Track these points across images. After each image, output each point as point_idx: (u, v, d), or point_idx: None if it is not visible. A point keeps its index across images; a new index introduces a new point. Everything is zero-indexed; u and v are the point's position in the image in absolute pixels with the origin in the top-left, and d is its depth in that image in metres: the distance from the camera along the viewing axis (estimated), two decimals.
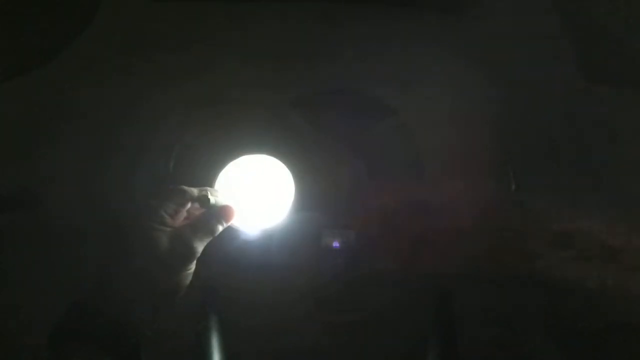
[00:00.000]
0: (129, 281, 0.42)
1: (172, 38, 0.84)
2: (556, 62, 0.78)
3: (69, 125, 0.82)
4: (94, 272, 0.44)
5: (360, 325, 0.69)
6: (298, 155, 0.63)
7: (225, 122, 0.79)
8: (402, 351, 0.69)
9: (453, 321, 0.68)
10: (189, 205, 0.47)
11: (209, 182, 0.55)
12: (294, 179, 0.61)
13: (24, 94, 0.83)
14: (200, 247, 0.45)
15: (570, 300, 0.70)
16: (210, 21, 0.85)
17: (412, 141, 0.78)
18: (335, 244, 0.70)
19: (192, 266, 0.46)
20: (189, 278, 0.45)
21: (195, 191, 0.47)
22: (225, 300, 0.71)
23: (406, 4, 0.81)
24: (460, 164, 0.76)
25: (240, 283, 0.73)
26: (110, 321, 0.41)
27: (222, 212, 0.48)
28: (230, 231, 0.52)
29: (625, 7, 0.75)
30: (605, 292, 0.69)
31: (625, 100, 0.76)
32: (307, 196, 0.65)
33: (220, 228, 0.48)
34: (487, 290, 0.70)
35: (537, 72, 0.78)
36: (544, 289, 0.71)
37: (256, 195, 0.56)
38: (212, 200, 0.48)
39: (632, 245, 0.71)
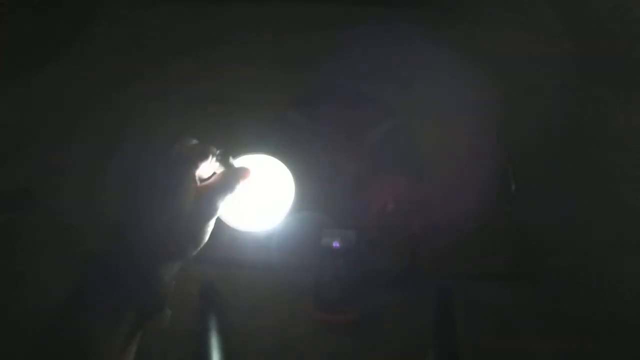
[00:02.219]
0: (154, 233, 0.43)
1: (172, 40, 0.84)
2: (556, 62, 0.78)
3: (69, 126, 0.82)
4: (116, 221, 0.44)
5: (360, 325, 0.69)
6: (298, 155, 0.63)
7: (225, 122, 0.79)
8: (402, 351, 0.69)
9: (453, 320, 0.68)
10: (210, 162, 0.48)
11: None
12: (294, 179, 0.61)
13: (24, 95, 0.83)
14: (220, 205, 0.47)
15: (571, 300, 0.70)
16: (211, 23, 0.85)
17: (412, 141, 0.78)
18: (335, 244, 0.70)
19: (212, 224, 0.47)
20: (207, 236, 0.47)
21: (216, 150, 0.49)
22: (224, 300, 0.71)
23: (407, 4, 0.81)
24: (460, 164, 0.76)
25: (240, 283, 0.73)
26: (135, 272, 0.41)
27: (240, 171, 0.50)
28: (230, 231, 0.52)
29: (625, 7, 0.75)
30: (605, 291, 0.69)
31: (625, 100, 0.76)
32: (307, 196, 0.65)
33: (238, 187, 0.49)
34: (487, 289, 0.70)
35: (537, 72, 0.78)
36: (544, 288, 0.71)
37: (256, 195, 0.56)
38: (231, 160, 0.50)
39: (631, 240, 0.71)
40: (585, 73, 0.77)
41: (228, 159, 0.50)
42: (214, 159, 0.48)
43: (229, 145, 0.56)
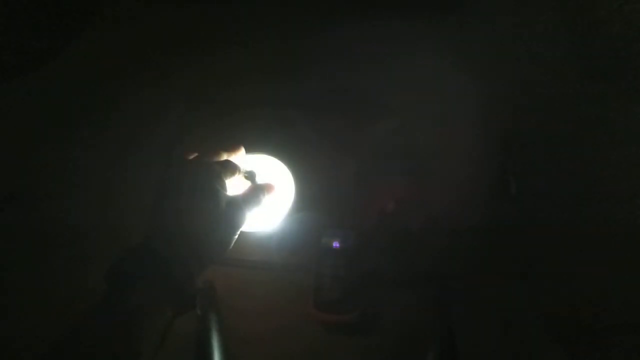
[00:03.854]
0: (188, 239, 0.46)
1: (172, 39, 0.84)
2: (556, 62, 0.78)
3: (67, 126, 0.82)
4: (150, 226, 0.46)
5: (360, 325, 0.69)
6: (298, 155, 0.63)
7: (225, 122, 0.79)
8: (402, 351, 0.69)
9: (453, 320, 0.68)
10: (238, 176, 0.52)
11: None
12: (294, 179, 0.61)
13: (22, 95, 0.83)
14: (248, 215, 0.50)
15: (571, 301, 0.70)
16: (211, 22, 0.85)
17: (412, 140, 0.78)
18: (335, 244, 0.70)
19: (238, 233, 0.50)
20: (233, 243, 0.49)
21: (242, 167, 0.53)
22: (225, 300, 0.71)
23: (406, 4, 0.81)
24: (460, 164, 0.76)
25: (240, 283, 0.73)
26: (170, 274, 0.44)
27: (265, 187, 0.54)
28: None
29: (626, 7, 0.75)
30: (604, 290, 0.70)
31: (624, 100, 0.76)
32: (307, 196, 0.65)
33: (263, 200, 0.53)
34: (487, 289, 0.70)
35: (537, 72, 0.78)
36: (544, 288, 0.71)
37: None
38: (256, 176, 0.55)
39: (632, 241, 0.71)
40: (585, 73, 0.77)
41: (254, 175, 0.55)
42: (242, 175, 0.53)
43: (230, 145, 0.56)
